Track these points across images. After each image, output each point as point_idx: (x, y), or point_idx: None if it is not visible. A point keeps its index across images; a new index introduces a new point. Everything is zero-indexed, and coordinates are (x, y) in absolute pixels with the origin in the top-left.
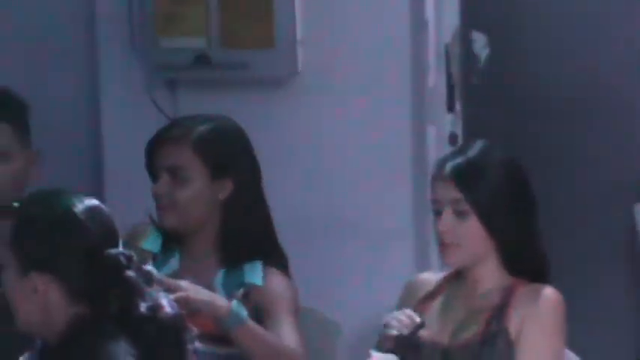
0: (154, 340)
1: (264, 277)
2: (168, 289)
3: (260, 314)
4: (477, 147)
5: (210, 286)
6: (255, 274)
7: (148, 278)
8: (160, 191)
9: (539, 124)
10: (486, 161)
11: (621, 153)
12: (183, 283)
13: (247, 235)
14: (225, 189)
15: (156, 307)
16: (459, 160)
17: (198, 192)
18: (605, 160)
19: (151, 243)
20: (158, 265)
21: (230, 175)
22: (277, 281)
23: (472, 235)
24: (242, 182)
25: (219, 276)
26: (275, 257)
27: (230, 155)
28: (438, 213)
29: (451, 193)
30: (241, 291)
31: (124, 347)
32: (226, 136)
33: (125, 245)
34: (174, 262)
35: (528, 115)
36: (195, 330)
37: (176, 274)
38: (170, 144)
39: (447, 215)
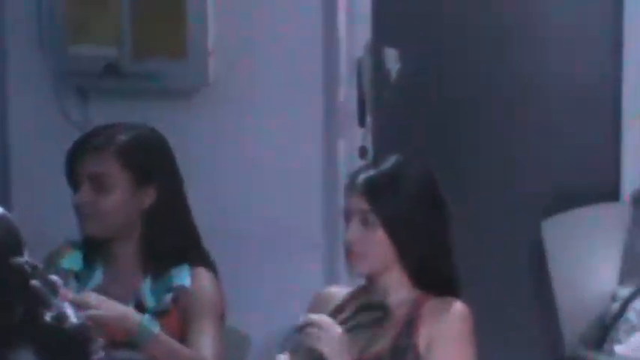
0: (58, 350)
1: (193, 280)
2: (77, 306)
3: (187, 316)
4: (390, 161)
5: (137, 295)
6: (182, 276)
7: (54, 288)
8: (82, 200)
9: (449, 139)
10: (398, 175)
11: (532, 168)
12: (92, 299)
13: (172, 242)
14: (148, 197)
15: (61, 317)
16: (371, 172)
17: (121, 200)
18: (516, 175)
19: (71, 261)
20: (82, 282)
21: (153, 183)
22: (205, 282)
23: (378, 246)
24: (165, 190)
25: (146, 283)
26: (202, 260)
27: (153, 163)
28: (348, 225)
29: (360, 204)
30: (170, 296)
31: (28, 357)
32: (149, 144)
33: (44, 264)
34: (97, 276)
35: (439, 131)
36: (101, 340)
37: (101, 288)
38: (92, 152)
39: (355, 225)
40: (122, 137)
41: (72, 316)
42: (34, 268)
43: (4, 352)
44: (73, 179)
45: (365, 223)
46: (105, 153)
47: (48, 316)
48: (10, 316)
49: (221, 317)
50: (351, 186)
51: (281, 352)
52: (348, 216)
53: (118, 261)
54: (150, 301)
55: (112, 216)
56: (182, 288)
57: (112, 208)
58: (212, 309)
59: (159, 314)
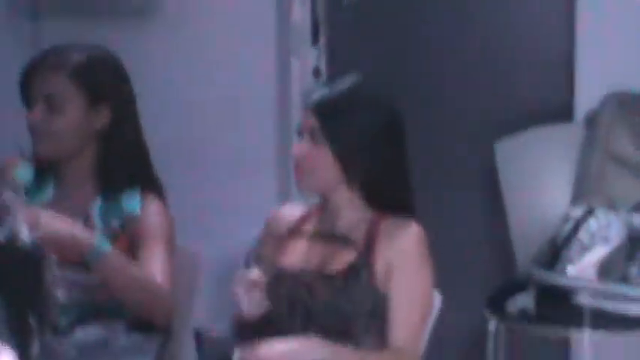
0: (11, 267)
1: (142, 206)
2: (28, 221)
3: (136, 242)
4: (347, 81)
5: (87, 215)
6: (132, 203)
7: (5, 206)
8: (34, 120)
9: (401, 61)
10: (353, 96)
11: (485, 91)
12: (44, 215)
13: (125, 163)
14: (102, 118)
15: (13, 235)
16: (325, 90)
17: (75, 121)
18: (469, 98)
19: (22, 173)
20: (31, 196)
21: (107, 103)
22: (154, 210)
23: (323, 164)
24: (119, 111)
25: (96, 205)
26: (153, 186)
27: (107, 84)
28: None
29: (310, 121)
30: (118, 223)
31: None
32: (103, 65)
33: None
34: (48, 192)
35: (391, 53)
36: (54, 258)
37: (50, 204)
38: (46, 72)
39: (306, 141)
40: (77, 57)
41: (25, 234)
42: None
43: None
44: (27, 98)
45: (314, 139)
46: (59, 73)
47: (0, 235)
48: None
49: (170, 241)
50: (305, 103)
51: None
52: (301, 130)
53: (70, 179)
54: (98, 222)
55: (65, 136)
56: (131, 215)
57: (65, 128)
58: (161, 234)
59: (107, 238)
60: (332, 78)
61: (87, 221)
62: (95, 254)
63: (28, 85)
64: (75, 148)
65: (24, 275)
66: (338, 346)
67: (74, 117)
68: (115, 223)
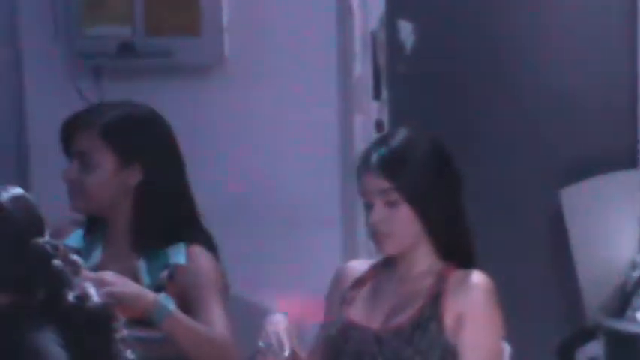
0: (82, 329)
1: (188, 256)
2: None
3: (186, 295)
4: (400, 135)
5: (134, 273)
6: (178, 254)
7: (75, 267)
8: (68, 177)
9: (466, 111)
10: (410, 147)
11: (549, 138)
12: (109, 276)
13: (161, 220)
14: (135, 175)
15: (84, 296)
16: (384, 149)
17: (106, 178)
18: (533, 145)
19: (74, 239)
20: (83, 260)
21: (139, 162)
22: (202, 259)
23: (404, 223)
24: (153, 169)
25: (141, 262)
26: (198, 238)
27: (138, 141)
28: (368, 206)
29: (379, 184)
30: (165, 273)
31: (50, 336)
32: (135, 123)
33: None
34: (96, 254)
35: (455, 103)
36: (123, 318)
37: (99, 266)
38: (78, 130)
39: (379, 207)
40: (107, 116)
41: (94, 294)
42: (56, 248)
43: (28, 333)
44: (66, 155)
45: (387, 202)
46: (90, 131)
47: (70, 296)
48: (33, 297)
49: (223, 293)
50: (365, 166)
51: None
52: (366, 196)
53: (114, 239)
54: (146, 279)
55: (95, 194)
56: (177, 265)
57: (95, 187)
58: (211, 284)
59: (155, 290)
60: (382, 135)
61: (135, 279)
62: (161, 312)
63: (65, 142)
64: (107, 204)
65: (95, 335)
66: None
67: (105, 175)
68: (162, 275)
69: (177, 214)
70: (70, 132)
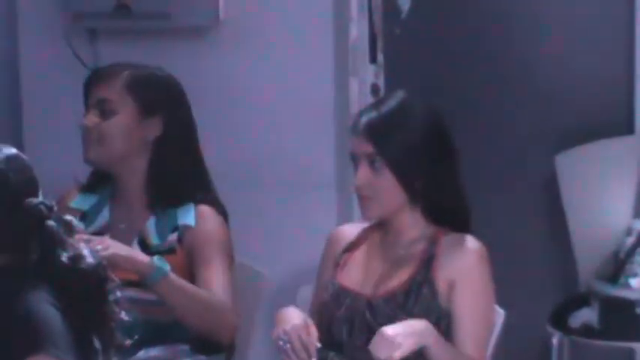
0: (76, 289)
1: (197, 218)
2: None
3: (193, 257)
4: (394, 100)
5: (143, 233)
6: (187, 215)
7: (69, 228)
8: (86, 123)
9: (461, 75)
10: (402, 115)
11: (545, 104)
12: (100, 240)
13: (177, 178)
14: (154, 130)
15: (77, 257)
16: (373, 114)
17: (125, 126)
18: (529, 111)
19: (80, 202)
20: (89, 221)
21: (159, 117)
22: (210, 221)
23: (387, 189)
24: (172, 125)
25: (151, 222)
26: (208, 200)
27: (160, 96)
28: (356, 167)
29: (365, 147)
30: (175, 236)
31: (45, 296)
32: (157, 80)
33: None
34: (104, 216)
35: (450, 68)
36: (117, 280)
37: (108, 226)
38: (102, 79)
39: (363, 169)
40: (134, 70)
41: (88, 256)
42: (50, 208)
43: (22, 292)
44: (86, 107)
45: (372, 166)
46: (114, 81)
47: (64, 257)
48: (27, 257)
49: (229, 256)
50: (355, 128)
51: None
52: (354, 159)
53: (124, 198)
54: (154, 239)
55: (113, 140)
56: (187, 227)
57: (114, 131)
58: (219, 247)
59: (164, 253)
60: (379, 98)
61: (144, 239)
62: (155, 275)
63: (86, 94)
64: (123, 153)
65: (88, 296)
66: (441, 338)
67: (125, 122)
68: (172, 236)
69: (190, 174)
70: (92, 82)
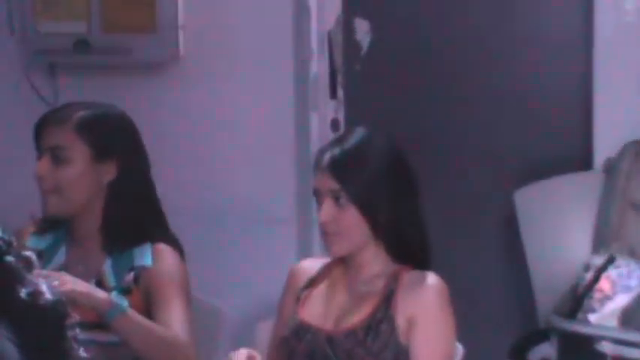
0: (34, 326)
1: (154, 256)
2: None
3: (151, 297)
4: (355, 136)
5: (99, 274)
6: (144, 255)
7: (28, 264)
8: (40, 172)
9: (420, 110)
10: (365, 150)
11: (503, 139)
12: (57, 276)
13: (133, 218)
14: (109, 172)
15: (36, 293)
16: (337, 150)
17: (80, 173)
18: (487, 146)
19: (35, 242)
20: (47, 260)
21: (113, 158)
22: (168, 258)
23: (352, 225)
24: (126, 166)
25: (107, 263)
26: (164, 239)
27: (113, 138)
28: (320, 203)
29: (329, 183)
30: (131, 276)
31: (1, 331)
32: (110, 120)
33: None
34: (60, 254)
35: (410, 103)
36: (76, 317)
37: (65, 266)
38: (52, 125)
39: (327, 205)
40: (83, 112)
41: (47, 292)
42: (9, 244)
43: None
44: (38, 153)
45: (337, 202)
46: (65, 126)
47: (23, 292)
48: None
49: (185, 292)
50: (318, 165)
51: None
52: (318, 195)
53: (81, 239)
54: (111, 281)
55: (70, 189)
56: (144, 267)
57: (70, 180)
58: (177, 286)
59: (121, 294)
60: (340, 134)
61: (100, 280)
62: (113, 313)
63: (38, 140)
64: (82, 202)
65: (47, 332)
66: None
67: (80, 170)
68: (128, 276)
69: (145, 214)
70: (42, 128)
